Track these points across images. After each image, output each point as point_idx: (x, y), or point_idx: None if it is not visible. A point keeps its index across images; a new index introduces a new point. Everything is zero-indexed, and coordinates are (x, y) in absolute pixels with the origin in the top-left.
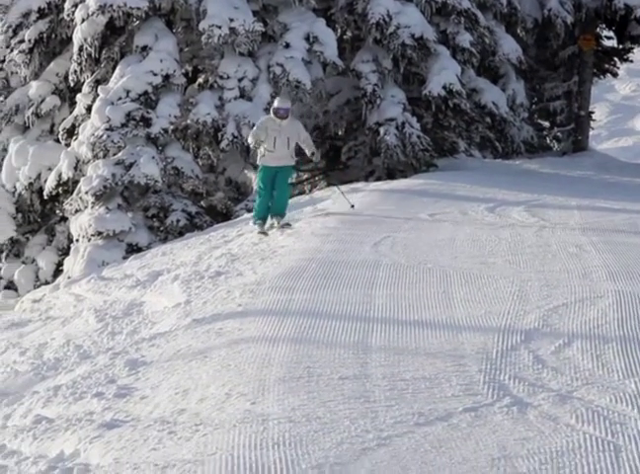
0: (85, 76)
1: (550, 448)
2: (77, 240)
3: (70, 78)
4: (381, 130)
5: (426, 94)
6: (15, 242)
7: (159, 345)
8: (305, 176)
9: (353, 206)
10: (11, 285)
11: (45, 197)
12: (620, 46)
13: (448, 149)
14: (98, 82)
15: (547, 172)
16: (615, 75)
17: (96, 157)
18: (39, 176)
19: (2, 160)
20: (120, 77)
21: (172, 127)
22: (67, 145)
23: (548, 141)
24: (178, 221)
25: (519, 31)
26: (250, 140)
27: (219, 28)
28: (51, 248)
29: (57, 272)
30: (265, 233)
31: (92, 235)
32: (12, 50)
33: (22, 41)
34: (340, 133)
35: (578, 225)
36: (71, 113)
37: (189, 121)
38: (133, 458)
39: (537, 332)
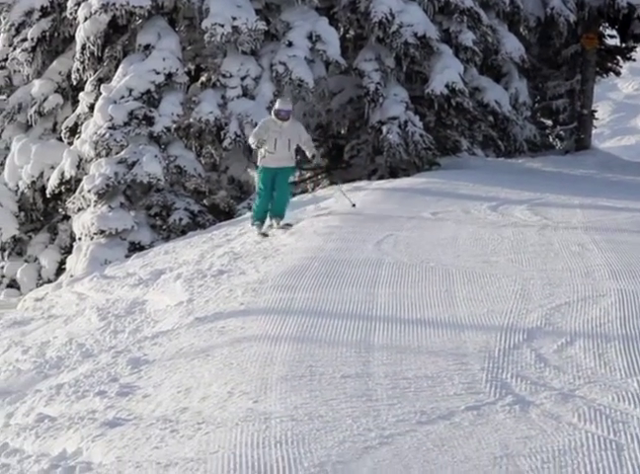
0: (88, 75)
1: (552, 447)
2: (80, 238)
3: (73, 76)
4: (384, 129)
5: (428, 92)
6: (17, 240)
7: (161, 343)
8: (308, 174)
9: (354, 205)
10: (13, 284)
11: (48, 196)
12: (623, 45)
13: (451, 148)
14: (100, 80)
15: (550, 170)
16: (618, 74)
17: (98, 155)
18: (41, 174)
19: (5, 158)
20: (122, 76)
21: (174, 126)
22: (70, 144)
23: (551, 140)
24: (180, 220)
25: (521, 29)
26: (251, 140)
27: (222, 26)
28: (54, 246)
29: (60, 270)
30: (265, 234)
31: (94, 234)
32: (15, 49)
33: (24, 40)
34: (342, 132)
35: (580, 224)
36: (74, 111)
37: (191, 120)
38: (136, 457)
39: (540, 330)
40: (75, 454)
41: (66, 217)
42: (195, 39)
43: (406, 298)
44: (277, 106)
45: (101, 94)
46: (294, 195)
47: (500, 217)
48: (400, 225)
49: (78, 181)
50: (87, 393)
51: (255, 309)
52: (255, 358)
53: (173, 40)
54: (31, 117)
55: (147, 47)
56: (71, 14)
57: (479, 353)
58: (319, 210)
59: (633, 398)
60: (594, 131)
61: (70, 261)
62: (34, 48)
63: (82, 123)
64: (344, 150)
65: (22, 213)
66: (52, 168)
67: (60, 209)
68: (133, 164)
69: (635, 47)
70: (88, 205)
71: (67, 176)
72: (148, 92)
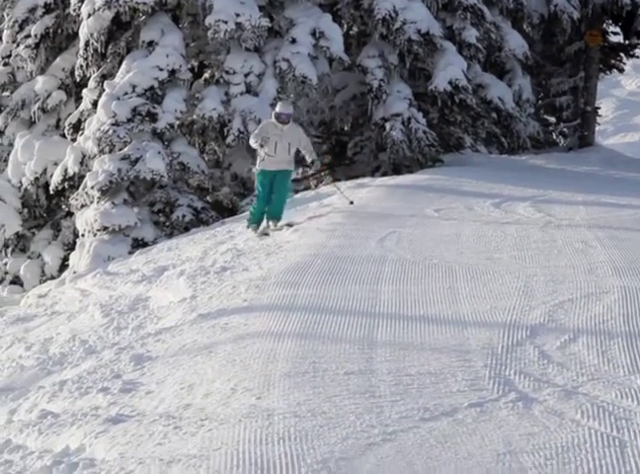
0: (91, 71)
1: (555, 444)
2: (83, 235)
3: (76, 73)
4: (387, 126)
5: (432, 89)
6: (21, 237)
7: (165, 340)
8: (311, 171)
9: (352, 203)
10: (17, 280)
11: (51, 192)
12: (627, 42)
13: (454, 145)
14: (104, 77)
15: (553, 167)
16: (621, 71)
17: (102, 152)
18: (44, 171)
19: (8, 155)
20: (126, 72)
21: (178, 123)
22: (73, 140)
23: (554, 137)
24: (184, 216)
25: (525, 26)
26: (252, 141)
27: (225, 23)
28: (57, 243)
29: (63, 266)
30: (266, 233)
31: (98, 230)
32: (18, 45)
33: (28, 36)
34: (346, 129)
35: (584, 221)
36: (77, 108)
37: (195, 117)
38: (139, 453)
39: (543, 327)
40: (78, 451)
41: (69, 214)
42: (198, 36)
43: (409, 295)
44: (277, 109)
45: (104, 90)
46: (297, 191)
47: (503, 214)
48: (403, 222)
49: (81, 177)
50: (90, 389)
51: (258, 306)
52: (258, 355)
53: (176, 37)
54: (34, 113)
55: (151, 44)
56: (75, 10)
57: (482, 349)
58: (322, 207)
59: (636, 395)
60: (597, 128)
61: (73, 257)
62: (37, 45)
63: (85, 120)
64: (347, 147)
65: (25, 210)
66: (56, 164)
67: (64, 206)
68: (137, 160)
69: (638, 44)
70: (91, 202)
71: (70, 172)
72: (152, 88)
